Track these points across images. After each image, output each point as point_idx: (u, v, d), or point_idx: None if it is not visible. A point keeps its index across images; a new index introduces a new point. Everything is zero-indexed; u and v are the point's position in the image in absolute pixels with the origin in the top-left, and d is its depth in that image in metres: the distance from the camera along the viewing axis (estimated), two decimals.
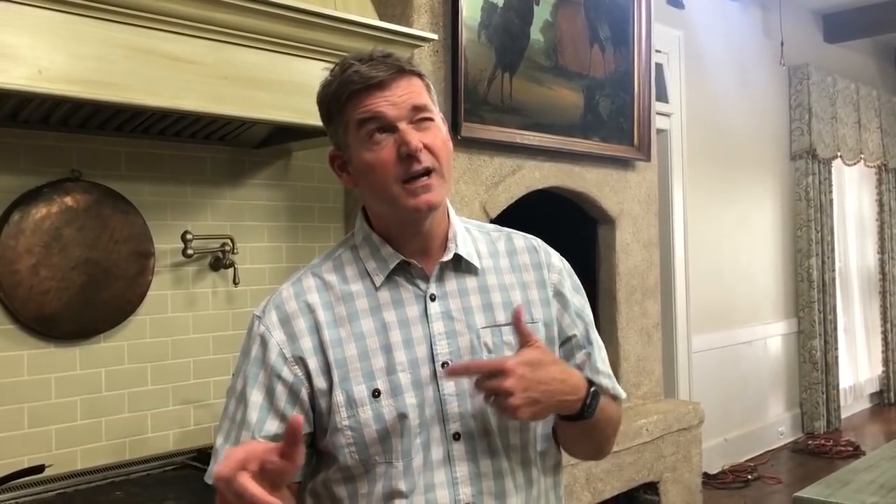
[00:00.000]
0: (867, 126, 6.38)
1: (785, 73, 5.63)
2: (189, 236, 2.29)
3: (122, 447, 2.21)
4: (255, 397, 1.13)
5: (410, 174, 1.11)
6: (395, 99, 1.11)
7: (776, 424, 5.54)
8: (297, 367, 1.13)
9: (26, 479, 1.96)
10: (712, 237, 4.96)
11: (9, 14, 1.56)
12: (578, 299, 1.29)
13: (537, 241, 1.30)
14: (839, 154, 6.00)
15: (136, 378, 2.25)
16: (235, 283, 2.40)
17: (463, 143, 2.68)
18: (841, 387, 6.08)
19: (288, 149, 2.55)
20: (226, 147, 2.43)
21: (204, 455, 2.24)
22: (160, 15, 1.75)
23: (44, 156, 2.09)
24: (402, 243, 1.18)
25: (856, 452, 5.13)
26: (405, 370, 1.13)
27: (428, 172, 1.12)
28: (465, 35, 2.64)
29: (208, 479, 1.12)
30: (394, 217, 1.16)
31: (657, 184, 3.58)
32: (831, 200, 5.98)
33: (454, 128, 2.65)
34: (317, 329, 1.14)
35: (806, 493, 1.76)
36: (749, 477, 4.75)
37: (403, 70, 1.14)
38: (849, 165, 6.26)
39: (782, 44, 5.10)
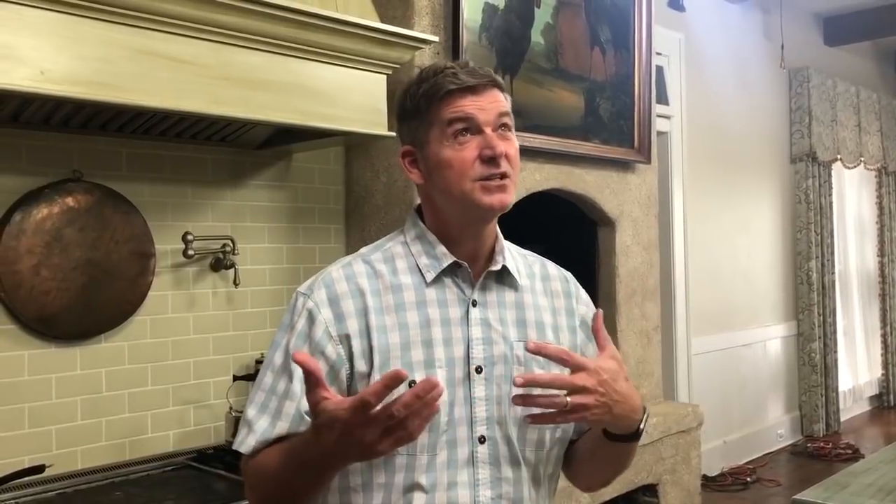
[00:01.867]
0: (867, 129, 6.39)
1: (785, 75, 5.64)
2: (190, 237, 2.30)
3: (123, 447, 2.21)
4: (298, 370, 1.11)
5: (489, 175, 1.16)
6: (485, 104, 1.17)
7: (775, 427, 5.54)
8: (340, 346, 1.16)
9: (27, 478, 1.96)
10: (712, 239, 4.96)
11: (11, 15, 1.56)
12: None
13: (568, 273, 1.36)
14: (839, 157, 6.01)
15: (136, 378, 2.25)
16: (236, 283, 2.40)
17: None
18: (840, 389, 6.09)
19: (289, 150, 2.56)
20: (227, 148, 2.43)
21: (204, 455, 2.25)
22: (161, 16, 1.76)
23: (45, 156, 2.10)
24: (457, 245, 1.22)
25: (855, 455, 5.14)
26: (442, 367, 1.16)
27: (504, 176, 1.18)
28: (465, 37, 2.64)
29: (235, 446, 1.17)
30: (459, 215, 1.20)
31: (657, 186, 3.59)
32: (831, 203, 5.98)
33: None
34: (364, 313, 1.17)
35: (804, 495, 1.76)
36: (748, 479, 4.76)
37: (494, 81, 1.21)
38: (849, 168, 6.26)
39: (783, 46, 5.10)
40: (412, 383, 1.11)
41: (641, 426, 1.18)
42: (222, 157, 2.44)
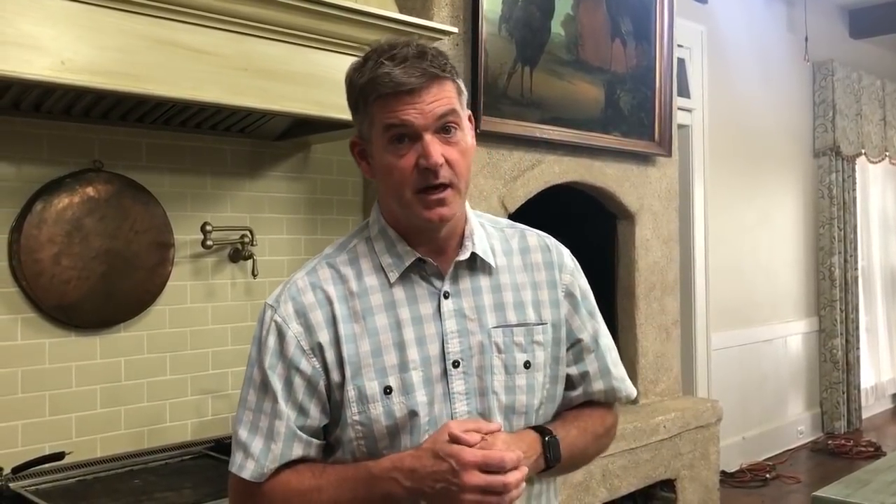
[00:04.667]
0: (893, 123, 6.30)
1: (809, 68, 5.57)
2: (208, 227, 2.31)
3: (141, 436, 2.23)
4: (277, 387, 1.13)
5: (426, 186, 1.10)
6: (423, 107, 1.09)
7: (795, 424, 5.49)
8: (314, 358, 1.13)
9: (47, 465, 1.98)
10: (733, 234, 4.92)
11: (33, 5, 1.57)
12: (588, 301, 1.29)
13: (550, 240, 1.29)
14: (863, 151, 5.93)
15: (155, 368, 2.26)
16: (254, 274, 2.41)
17: (482, 136, 2.67)
18: (862, 387, 6.02)
19: (307, 141, 2.56)
20: (246, 139, 2.44)
21: (221, 445, 2.26)
22: (181, 6, 1.76)
23: (66, 146, 2.11)
24: (418, 242, 1.17)
25: (876, 453, 5.08)
26: (417, 368, 1.13)
27: (444, 187, 1.11)
28: (485, 28, 2.63)
29: (234, 470, 1.14)
30: (406, 220, 1.16)
31: (678, 179, 3.56)
32: (854, 198, 5.91)
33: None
34: (333, 322, 1.13)
35: (825, 492, 1.74)
36: (767, 476, 4.72)
37: (437, 76, 1.11)
38: (873, 163, 6.18)
39: (807, 39, 5.03)
40: (387, 389, 1.11)
41: (548, 456, 1.15)
42: (241, 148, 2.45)
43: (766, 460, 4.99)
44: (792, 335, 5.51)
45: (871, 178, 6.47)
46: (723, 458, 3.89)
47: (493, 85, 2.68)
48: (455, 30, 2.41)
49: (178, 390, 2.31)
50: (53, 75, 1.60)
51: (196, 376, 2.35)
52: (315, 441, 1.15)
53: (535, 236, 1.28)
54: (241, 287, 2.44)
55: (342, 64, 2.08)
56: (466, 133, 1.16)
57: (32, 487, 1.92)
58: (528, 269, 1.23)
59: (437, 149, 1.09)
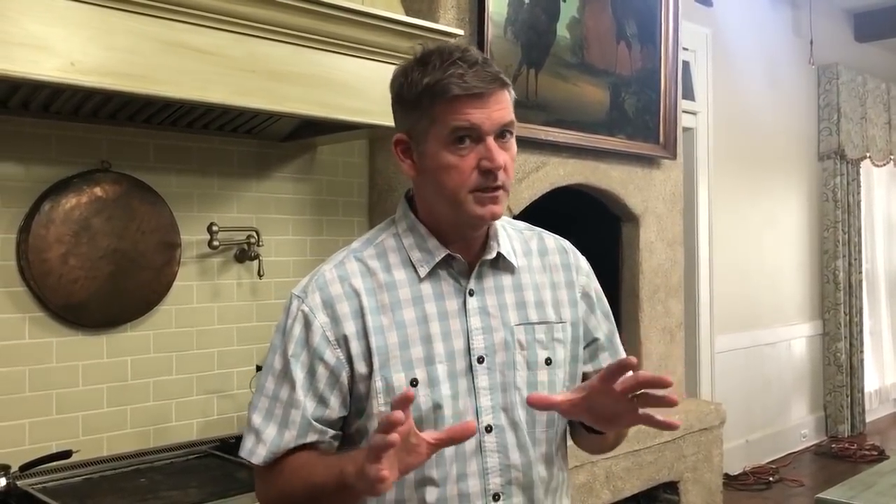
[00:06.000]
0: None
1: (814, 72, 5.57)
2: (215, 228, 2.32)
3: (147, 435, 2.24)
4: (299, 376, 1.14)
5: (485, 186, 1.14)
6: (490, 112, 1.12)
7: (799, 427, 5.49)
8: (339, 350, 1.15)
9: (53, 464, 1.99)
10: (737, 237, 4.92)
11: (42, 7, 1.58)
12: (603, 303, 1.33)
13: (566, 243, 1.33)
14: (868, 155, 5.92)
15: (161, 367, 2.28)
16: (260, 275, 2.42)
17: None
18: (866, 390, 6.01)
19: (313, 143, 2.57)
20: (252, 140, 2.45)
21: (227, 444, 2.27)
22: (189, 8, 1.77)
23: (74, 146, 2.13)
24: (450, 239, 1.20)
25: (880, 457, 5.07)
26: (443, 362, 1.15)
27: (498, 188, 1.15)
28: (491, 31, 2.64)
29: (244, 455, 1.18)
30: (450, 217, 1.18)
31: (682, 182, 3.56)
32: (859, 202, 5.90)
33: None
34: (360, 314, 1.15)
35: (828, 494, 1.74)
36: (771, 479, 4.72)
37: (502, 82, 1.15)
38: (878, 166, 6.17)
39: (812, 42, 5.04)
40: (414, 381, 1.14)
41: None
42: (248, 150, 2.46)
43: (769, 463, 4.99)
44: (796, 338, 5.50)
45: (875, 181, 6.47)
46: (726, 461, 3.90)
47: None
48: (461, 32, 2.42)
49: (183, 390, 2.32)
50: (63, 76, 1.61)
51: (202, 376, 2.36)
52: (330, 431, 1.17)
53: (553, 239, 1.32)
54: (246, 287, 2.46)
55: (349, 66, 2.11)
56: (514, 142, 1.20)
57: (39, 485, 1.94)
58: (546, 270, 1.27)
59: (500, 153, 1.13)
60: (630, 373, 1.07)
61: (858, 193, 5.89)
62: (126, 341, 2.21)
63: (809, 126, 5.66)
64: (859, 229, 5.90)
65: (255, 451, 1.16)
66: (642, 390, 1.07)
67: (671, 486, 3.26)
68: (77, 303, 2.10)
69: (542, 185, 2.89)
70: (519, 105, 2.72)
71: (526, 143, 2.81)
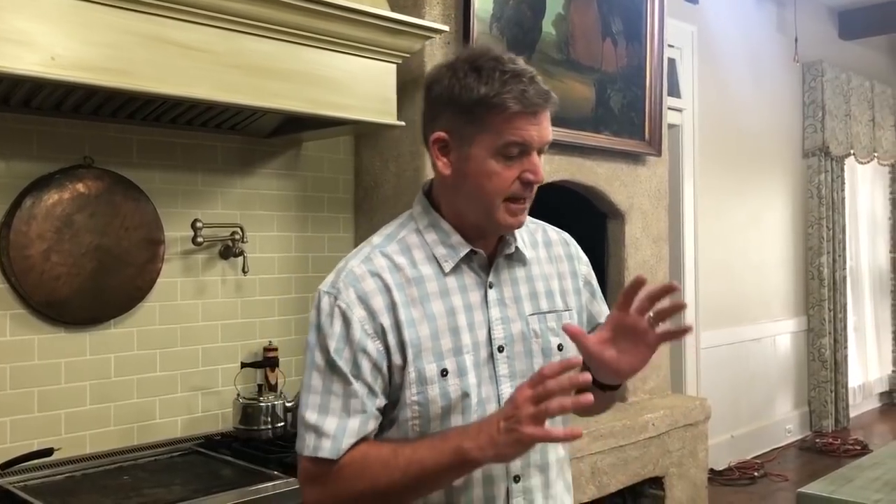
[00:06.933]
0: (881, 124, 6.34)
1: (799, 69, 5.60)
2: (199, 224, 2.31)
3: (131, 432, 2.23)
4: (347, 370, 1.18)
5: (521, 196, 1.21)
6: (540, 130, 1.19)
7: (784, 422, 5.53)
8: (378, 341, 1.19)
9: (35, 461, 1.98)
10: (723, 233, 4.94)
11: (23, 1, 1.57)
12: (600, 291, 1.43)
13: (567, 235, 1.42)
14: (852, 152, 5.97)
15: (145, 364, 2.26)
16: (245, 271, 2.41)
17: None
18: (850, 385, 6.06)
19: (299, 138, 2.56)
20: (237, 136, 2.44)
21: (211, 441, 2.26)
22: (172, 3, 1.76)
23: (56, 142, 2.11)
24: (472, 235, 1.25)
25: (864, 451, 5.11)
26: (469, 352, 1.21)
27: (527, 199, 1.23)
28: (476, 27, 2.63)
29: (308, 453, 1.17)
30: (477, 219, 1.23)
31: (668, 179, 3.57)
32: (843, 198, 5.94)
33: None
34: (392, 308, 1.19)
35: (809, 489, 1.76)
36: (756, 474, 4.75)
37: (553, 101, 1.22)
38: (862, 163, 6.22)
39: (796, 40, 5.06)
40: (444, 371, 1.19)
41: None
42: (232, 146, 2.45)
43: (754, 458, 5.02)
44: (781, 334, 5.54)
45: (859, 178, 6.52)
46: (712, 456, 3.92)
47: None
48: (447, 28, 2.42)
49: (167, 387, 2.31)
50: (43, 71, 1.60)
51: (186, 373, 2.35)
52: (379, 419, 1.21)
53: (554, 231, 1.40)
54: (231, 284, 2.45)
55: (333, 61, 2.11)
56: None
57: (21, 483, 1.92)
58: (552, 261, 1.34)
59: (541, 169, 1.21)
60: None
61: (843, 190, 5.93)
62: (109, 338, 2.20)
63: (794, 123, 5.69)
64: (843, 226, 5.94)
65: (321, 447, 1.16)
66: (656, 308, 1.17)
67: (656, 482, 3.27)
68: (59, 299, 2.08)
69: None
70: None
71: None
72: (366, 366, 1.18)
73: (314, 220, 2.65)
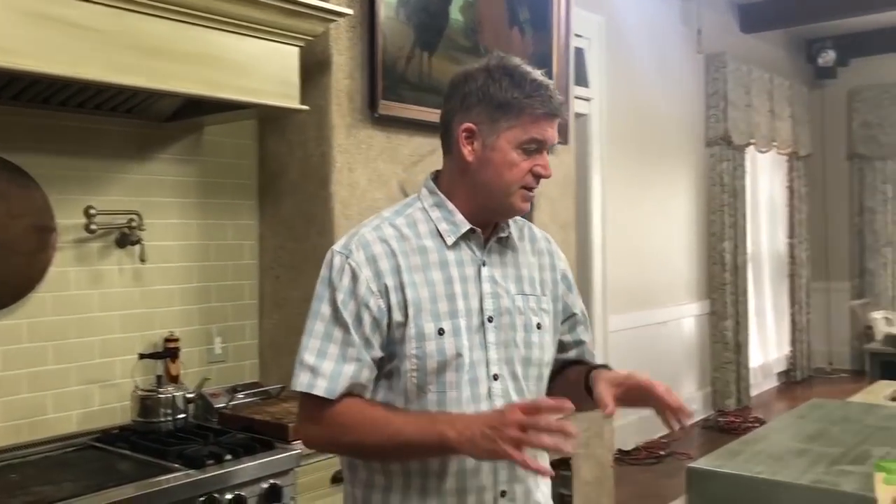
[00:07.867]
0: (780, 115, 6.62)
1: (702, 60, 5.78)
2: (93, 211, 2.22)
3: (20, 428, 2.13)
4: (349, 321, 1.32)
5: (532, 186, 1.39)
6: (553, 132, 1.39)
7: (689, 402, 5.65)
8: (381, 300, 1.33)
9: None
10: (630, 220, 5.07)
11: None
12: (575, 286, 1.59)
13: (547, 235, 1.58)
14: (753, 141, 6.21)
15: (36, 357, 2.17)
16: (142, 259, 2.34)
17: (380, 121, 2.67)
18: (751, 366, 6.33)
19: (200, 123, 2.49)
20: (134, 120, 2.35)
21: (109, 435, 2.19)
22: None
23: None
24: (474, 219, 1.40)
25: None
26: (463, 317, 1.36)
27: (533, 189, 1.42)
28: (382, 12, 2.61)
29: (302, 388, 1.31)
30: (489, 203, 1.39)
31: (575, 167, 3.64)
32: (745, 186, 6.18)
33: (371, 105, 2.63)
34: (397, 271, 1.35)
35: (698, 464, 1.82)
36: (662, 453, 4.91)
37: (565, 112, 1.43)
38: (762, 153, 6.48)
39: (699, 32, 5.23)
40: (441, 330, 1.34)
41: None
42: (129, 130, 2.36)
43: (660, 438, 5.19)
44: (685, 317, 5.73)
45: (759, 166, 6.79)
46: (620, 437, 4.03)
47: (392, 69, 2.67)
48: (350, 11, 2.40)
49: (61, 380, 2.22)
50: None
51: (82, 365, 2.26)
52: (375, 370, 1.35)
53: (537, 230, 1.57)
54: (129, 273, 2.37)
55: (234, 43, 2.06)
56: None
57: None
58: (535, 254, 1.51)
59: (549, 164, 1.40)
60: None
61: (744, 178, 6.17)
62: None
63: (698, 113, 5.88)
64: (744, 213, 6.18)
65: (315, 384, 1.30)
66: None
67: (564, 462, 3.35)
68: None
69: (438, 167, 2.89)
70: (412, 87, 2.73)
71: (420, 126, 2.81)
72: (367, 320, 1.32)
73: (216, 206, 2.58)
